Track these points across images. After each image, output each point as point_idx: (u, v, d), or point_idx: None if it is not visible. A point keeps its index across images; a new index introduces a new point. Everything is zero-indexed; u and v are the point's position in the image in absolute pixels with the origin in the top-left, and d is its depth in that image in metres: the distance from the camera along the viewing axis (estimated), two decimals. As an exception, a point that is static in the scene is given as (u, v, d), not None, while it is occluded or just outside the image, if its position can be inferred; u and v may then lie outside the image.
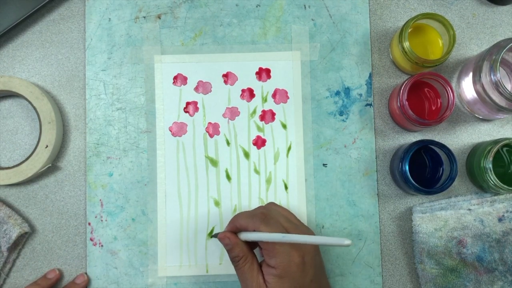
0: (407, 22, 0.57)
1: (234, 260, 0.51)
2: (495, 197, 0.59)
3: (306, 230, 0.54)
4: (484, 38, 0.63)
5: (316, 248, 0.51)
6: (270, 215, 0.51)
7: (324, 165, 0.61)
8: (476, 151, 0.59)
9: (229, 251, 0.52)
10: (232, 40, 0.62)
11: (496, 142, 0.56)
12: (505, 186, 0.55)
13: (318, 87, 0.62)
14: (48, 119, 0.59)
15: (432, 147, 0.58)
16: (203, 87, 0.62)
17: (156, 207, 0.61)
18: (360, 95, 0.62)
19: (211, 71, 0.62)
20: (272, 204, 0.57)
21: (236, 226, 0.52)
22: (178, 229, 0.61)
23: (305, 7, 0.63)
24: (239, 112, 0.62)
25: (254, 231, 0.50)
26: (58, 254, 0.61)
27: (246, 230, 0.51)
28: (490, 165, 0.55)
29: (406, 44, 0.57)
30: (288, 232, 0.50)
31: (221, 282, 0.60)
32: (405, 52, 0.57)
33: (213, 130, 0.62)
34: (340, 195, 0.61)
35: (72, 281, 0.59)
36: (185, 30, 0.62)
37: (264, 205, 0.57)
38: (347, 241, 0.40)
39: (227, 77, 0.62)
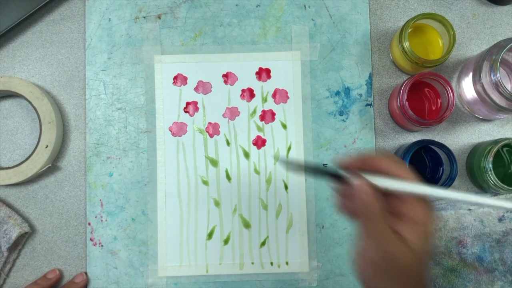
0: (407, 22, 0.57)
1: (368, 214, 0.40)
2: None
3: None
4: (484, 38, 0.63)
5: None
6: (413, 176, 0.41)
7: (324, 165, 0.61)
8: (476, 151, 0.59)
9: (363, 203, 0.40)
10: (232, 40, 0.62)
11: (496, 142, 0.56)
12: (505, 186, 0.55)
13: (318, 87, 0.62)
14: (48, 119, 0.59)
15: (432, 147, 0.58)
16: (203, 87, 0.62)
17: (156, 207, 0.61)
18: (360, 95, 0.62)
19: (211, 71, 0.62)
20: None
21: (376, 168, 0.41)
22: (178, 229, 0.61)
23: (305, 7, 0.63)
24: (239, 112, 0.62)
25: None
26: (58, 254, 0.61)
27: (384, 174, 0.41)
28: (490, 165, 0.55)
29: (406, 44, 0.57)
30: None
31: (221, 282, 0.60)
32: (405, 52, 0.57)
33: (213, 130, 0.62)
34: (340, 195, 0.61)
35: (71, 280, 0.59)
36: (185, 30, 0.62)
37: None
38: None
39: (227, 77, 0.62)
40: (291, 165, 0.48)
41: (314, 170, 0.43)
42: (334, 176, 0.42)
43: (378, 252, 0.39)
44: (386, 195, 0.41)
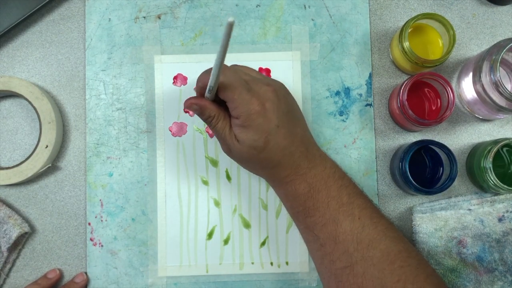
0: (407, 22, 0.57)
1: (208, 122, 0.51)
2: (495, 197, 0.59)
3: (269, 82, 0.52)
4: (484, 38, 0.63)
5: (279, 94, 0.51)
6: (228, 67, 0.51)
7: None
8: (476, 151, 0.59)
9: (200, 115, 0.51)
10: (232, 40, 0.62)
11: (496, 142, 0.56)
12: (505, 186, 0.55)
13: (318, 87, 0.62)
14: (48, 119, 0.59)
15: (432, 147, 0.58)
16: (203, 87, 0.62)
17: (156, 207, 0.61)
18: (360, 95, 0.62)
19: (211, 71, 0.62)
20: (234, 65, 0.55)
21: (200, 85, 0.51)
22: (178, 229, 0.61)
23: (305, 7, 0.63)
24: (239, 112, 0.62)
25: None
26: (58, 254, 0.61)
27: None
28: (490, 165, 0.55)
29: (406, 44, 0.57)
30: (248, 84, 0.49)
31: (221, 282, 0.60)
32: (405, 52, 0.57)
33: (213, 130, 0.62)
34: (340, 195, 0.61)
35: (71, 280, 0.59)
36: (185, 30, 0.62)
37: None
38: (230, 19, 0.38)
39: (227, 77, 0.62)
40: None
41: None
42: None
43: (223, 147, 0.52)
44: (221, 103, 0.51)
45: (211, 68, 0.47)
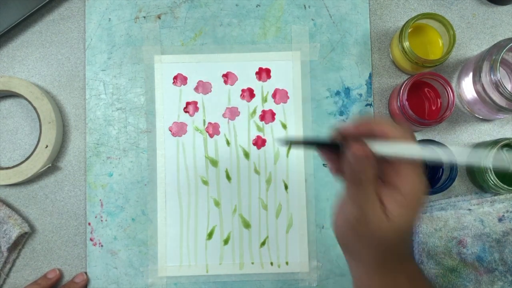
0: (407, 22, 0.57)
1: (355, 179, 0.38)
2: (495, 197, 0.59)
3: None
4: (484, 38, 0.63)
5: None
6: (414, 136, 0.40)
7: (324, 165, 0.61)
8: (476, 151, 0.59)
9: (355, 169, 0.38)
10: (232, 40, 0.62)
11: (496, 142, 0.56)
12: (505, 186, 0.55)
13: (318, 87, 0.62)
14: (48, 119, 0.59)
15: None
16: (203, 87, 0.62)
17: (156, 207, 0.61)
18: (360, 95, 0.62)
19: (211, 71, 0.62)
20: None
21: (372, 133, 0.39)
22: (178, 229, 0.61)
23: (305, 7, 0.63)
24: (239, 112, 0.62)
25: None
26: (58, 254, 0.61)
27: (382, 138, 0.39)
28: (490, 165, 0.55)
29: (406, 44, 0.57)
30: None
31: (221, 282, 0.60)
32: (405, 52, 0.57)
33: (213, 130, 0.62)
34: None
35: (71, 280, 0.59)
36: (185, 30, 0.62)
37: None
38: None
39: (227, 77, 0.62)
40: (288, 141, 0.45)
41: (310, 143, 0.43)
42: (330, 145, 0.40)
43: (355, 212, 0.38)
44: (380, 159, 0.39)
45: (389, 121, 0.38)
